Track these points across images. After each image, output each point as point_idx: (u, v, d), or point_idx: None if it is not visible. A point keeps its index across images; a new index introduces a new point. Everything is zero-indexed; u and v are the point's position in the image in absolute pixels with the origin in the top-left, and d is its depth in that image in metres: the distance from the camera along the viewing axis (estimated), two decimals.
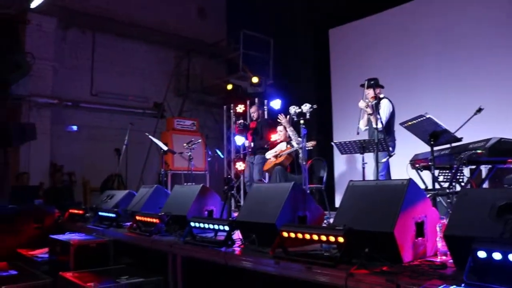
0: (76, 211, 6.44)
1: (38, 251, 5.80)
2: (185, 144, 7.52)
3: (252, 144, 7.75)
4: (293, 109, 5.27)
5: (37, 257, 5.56)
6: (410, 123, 4.50)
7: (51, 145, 9.47)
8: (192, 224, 3.88)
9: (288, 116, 6.49)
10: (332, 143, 5.73)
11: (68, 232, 5.72)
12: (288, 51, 10.77)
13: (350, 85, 7.21)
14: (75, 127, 10.12)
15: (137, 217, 4.77)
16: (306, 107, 5.09)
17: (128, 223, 5.13)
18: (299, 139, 5.78)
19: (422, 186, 4.48)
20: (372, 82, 5.56)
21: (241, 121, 8.13)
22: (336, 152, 8.21)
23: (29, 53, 8.37)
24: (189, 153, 7.30)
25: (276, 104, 9.72)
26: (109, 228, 5.28)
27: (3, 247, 6.07)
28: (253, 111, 8.05)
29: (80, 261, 4.75)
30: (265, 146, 7.66)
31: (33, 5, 8.52)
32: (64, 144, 9.86)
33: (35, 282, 4.72)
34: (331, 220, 3.38)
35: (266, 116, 9.67)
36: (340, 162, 9.24)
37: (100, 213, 5.69)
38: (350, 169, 9.05)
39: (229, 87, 11.03)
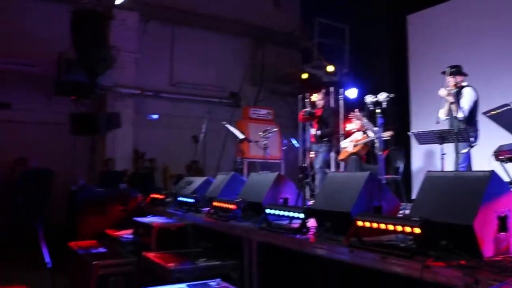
0: (157, 196, 6.78)
1: (123, 232, 6.19)
2: (260, 133, 7.60)
3: (318, 133, 7.58)
4: (369, 98, 5.19)
5: (122, 238, 5.94)
6: (493, 112, 4.30)
7: (134, 133, 10.00)
8: (268, 211, 3.98)
9: (357, 110, 6.40)
10: (410, 133, 5.59)
11: (150, 215, 6.05)
12: (364, 38, 10.55)
13: (430, 73, 6.97)
14: (156, 116, 10.60)
15: (215, 203, 4.94)
16: (382, 96, 5.00)
17: (206, 209, 5.32)
18: (375, 128, 5.69)
19: (506, 179, 4.27)
20: (454, 69, 5.35)
21: (307, 108, 7.99)
22: (414, 142, 7.98)
23: (114, 46, 8.84)
24: (265, 141, 7.37)
25: (351, 93, 9.58)
26: (188, 213, 5.52)
27: (93, 227, 6.57)
28: (320, 99, 7.87)
29: (161, 242, 5.01)
30: (331, 134, 7.52)
31: (117, 1, 9.00)
32: (146, 132, 10.37)
33: (122, 260, 5.06)
34: (407, 212, 3.33)
35: (343, 105, 9.56)
36: (418, 153, 8.96)
37: (180, 198, 5.95)
38: (429, 160, 8.75)
39: (304, 76, 11.00)
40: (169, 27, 11.13)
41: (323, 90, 9.01)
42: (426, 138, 5.22)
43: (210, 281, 3.49)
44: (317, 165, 7.32)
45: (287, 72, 11.76)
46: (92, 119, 7.74)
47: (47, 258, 5.50)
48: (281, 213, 3.84)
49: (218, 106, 11.40)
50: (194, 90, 11.24)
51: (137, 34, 10.32)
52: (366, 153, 6.75)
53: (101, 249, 5.58)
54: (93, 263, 4.82)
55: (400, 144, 7.57)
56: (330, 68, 10.34)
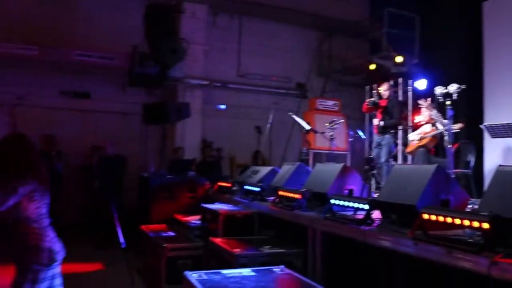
0: (224, 184, 6.99)
1: (191, 217, 6.45)
2: (327, 124, 7.57)
3: (381, 123, 7.42)
4: (438, 90, 5.08)
5: (190, 223, 6.19)
6: None
7: (202, 122, 10.31)
8: (333, 201, 4.02)
9: (429, 99, 6.22)
10: (482, 126, 5.39)
11: (217, 202, 6.26)
12: (435, 28, 10.19)
13: (507, 63, 6.63)
14: (223, 106, 10.86)
15: (280, 192, 5.04)
16: (453, 88, 4.87)
17: (271, 198, 5.43)
18: (445, 121, 5.53)
19: None
20: None
21: (371, 99, 7.83)
22: (487, 136, 7.66)
23: (184, 39, 9.14)
24: (331, 133, 7.35)
25: (421, 84, 9.32)
26: (253, 201, 5.65)
27: (164, 211, 6.90)
28: (385, 89, 7.69)
29: (227, 229, 5.18)
30: (396, 126, 7.35)
31: None
32: (214, 122, 10.67)
33: (190, 244, 5.31)
34: (476, 207, 3.26)
35: (411, 97, 9.33)
36: (491, 147, 8.57)
37: (246, 187, 6.09)
38: (503, 155, 8.36)
39: (372, 67, 10.83)
40: (237, 19, 11.32)
41: (391, 81, 8.82)
42: (499, 131, 5.04)
43: (274, 267, 3.58)
44: (383, 158, 7.21)
45: (354, 63, 11.63)
46: (163, 109, 8.07)
47: (121, 239, 5.87)
48: (346, 203, 3.87)
49: (285, 97, 11.48)
50: (261, 81, 11.39)
51: (206, 26, 10.60)
52: (435, 146, 6.57)
53: (171, 233, 5.86)
54: (163, 245, 5.09)
55: (472, 138, 7.29)
56: (399, 59, 10.10)
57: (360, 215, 3.73)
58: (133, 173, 9.01)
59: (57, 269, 3.06)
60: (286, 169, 5.85)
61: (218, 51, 10.97)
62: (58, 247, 3.04)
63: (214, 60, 10.85)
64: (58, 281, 3.11)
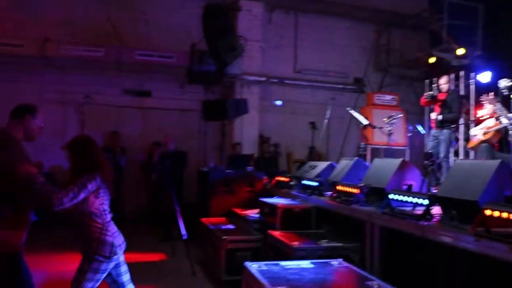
0: (282, 179, 7.09)
1: (250, 211, 6.60)
2: (385, 119, 7.50)
3: (439, 117, 7.18)
4: (503, 83, 4.92)
5: (249, 216, 6.33)
6: None
7: (260, 118, 10.45)
8: (391, 196, 4.02)
9: (492, 93, 6.01)
10: None
11: (275, 197, 6.37)
12: (500, 17, 9.76)
13: None
14: (280, 102, 10.96)
15: (338, 187, 5.08)
16: None
17: (329, 192, 5.47)
18: (510, 115, 5.35)
19: None
20: None
21: (430, 92, 7.60)
22: None
23: (241, 36, 9.29)
24: (389, 128, 7.27)
25: (484, 77, 8.97)
26: (311, 196, 5.72)
27: (223, 205, 7.10)
28: (444, 82, 7.42)
29: (285, 222, 5.28)
30: (455, 120, 7.12)
31: None
32: (271, 118, 10.79)
33: (248, 237, 5.46)
34: None
35: (474, 90, 9.02)
36: None
37: (304, 182, 6.16)
38: None
39: (431, 60, 10.54)
40: (293, 15, 11.36)
41: (451, 74, 8.51)
42: None
43: (332, 260, 3.64)
44: (442, 153, 7.01)
45: (413, 56, 11.36)
46: (222, 106, 8.25)
47: (183, 231, 6.12)
48: (405, 199, 3.86)
49: (342, 92, 11.42)
50: (318, 76, 11.38)
51: (262, 23, 10.71)
52: (499, 141, 6.35)
53: (230, 226, 6.03)
54: (223, 238, 5.26)
55: None
56: (460, 51, 9.76)
57: (419, 210, 3.72)
58: (193, 168, 9.31)
59: (121, 257, 3.32)
60: (344, 164, 5.86)
61: (274, 48, 11.07)
62: (119, 241, 3.27)
63: (270, 56, 10.95)
64: (123, 268, 3.38)
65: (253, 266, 3.33)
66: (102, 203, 3.26)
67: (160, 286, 5.19)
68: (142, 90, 10.50)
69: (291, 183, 6.76)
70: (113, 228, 3.30)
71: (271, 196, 6.51)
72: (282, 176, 7.24)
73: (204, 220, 6.50)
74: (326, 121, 9.01)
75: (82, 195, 3.06)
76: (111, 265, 3.23)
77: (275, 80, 10.87)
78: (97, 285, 3.21)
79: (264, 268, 3.32)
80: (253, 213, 6.41)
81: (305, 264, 3.52)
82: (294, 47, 11.38)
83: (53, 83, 10.15)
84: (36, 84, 10.06)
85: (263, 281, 2.96)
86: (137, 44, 10.11)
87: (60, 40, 9.67)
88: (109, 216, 3.30)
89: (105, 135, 10.16)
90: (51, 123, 10.10)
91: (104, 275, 3.22)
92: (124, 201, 9.83)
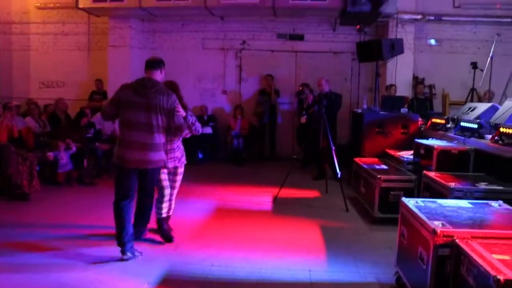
0: (438, 121, 6.92)
1: (403, 152, 6.63)
2: None
3: None
4: None
5: (402, 157, 6.39)
6: None
7: (414, 59, 10.07)
8: None
9: None
10: None
11: (431, 138, 6.29)
12: None
13: None
14: (433, 41, 10.38)
15: (502, 129, 4.85)
16: None
17: (489, 135, 5.27)
18: None
19: None
20: None
21: None
22: None
23: None
24: None
25: None
26: (470, 138, 5.54)
27: (376, 146, 7.23)
28: None
29: (441, 164, 5.26)
30: None
31: None
32: (425, 58, 10.31)
33: (402, 177, 5.57)
34: None
35: None
36: None
37: (462, 124, 5.97)
38: None
39: None
40: None
41: None
42: None
43: (492, 201, 3.61)
44: None
45: None
46: (377, 46, 8.14)
47: (337, 170, 6.43)
48: None
49: (509, 27, 10.36)
50: (481, 10, 10.41)
51: None
52: None
53: (383, 166, 6.18)
54: (378, 176, 5.45)
55: None
56: None
57: None
58: (345, 110, 9.49)
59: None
60: (509, 105, 5.55)
61: None
62: None
63: None
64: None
65: (410, 202, 3.48)
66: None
67: (316, 220, 5.59)
68: (295, 34, 10.78)
69: (448, 125, 6.57)
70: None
71: (426, 138, 6.43)
72: (437, 118, 7.05)
73: (358, 159, 6.71)
74: (489, 59, 8.38)
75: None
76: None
77: (432, 18, 10.23)
78: None
79: (421, 204, 3.43)
80: (407, 154, 6.43)
81: (463, 203, 3.54)
82: None
83: (214, 31, 10.96)
84: (199, 33, 10.97)
85: (420, 215, 3.10)
86: None
87: None
88: None
89: (260, 78, 10.77)
90: (213, 69, 11.06)
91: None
92: (277, 141, 10.49)
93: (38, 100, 9.25)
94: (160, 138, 4.14)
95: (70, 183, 7.32)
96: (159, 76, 4.22)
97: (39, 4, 11.31)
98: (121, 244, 4.05)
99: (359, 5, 8.51)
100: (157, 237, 4.66)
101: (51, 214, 5.65)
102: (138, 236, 4.45)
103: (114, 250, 4.11)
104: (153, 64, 4.21)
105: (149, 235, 4.71)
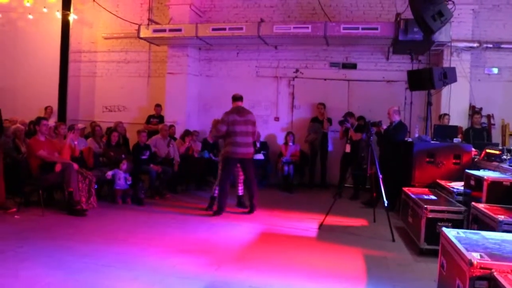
0: (492, 151, 6.69)
1: (455, 183, 6.45)
2: None
3: None
4: None
5: (453, 188, 6.22)
6: None
7: (470, 87, 9.81)
8: None
9: None
10: None
11: (483, 170, 6.10)
12: None
13: None
14: (495, 70, 10.08)
15: None
16: None
17: None
18: None
19: None
20: None
21: None
22: None
23: (450, 0, 8.78)
24: None
25: None
26: None
27: (427, 176, 7.08)
28: None
29: (492, 196, 5.08)
30: None
31: None
32: (483, 87, 10.01)
33: (450, 208, 5.41)
34: None
35: None
36: None
37: None
38: None
39: None
40: None
41: None
42: None
43: None
44: None
45: None
46: (428, 75, 8.03)
47: (384, 199, 6.35)
48: None
49: None
50: None
51: None
52: None
53: (432, 196, 6.04)
54: (425, 206, 5.34)
55: None
56: None
57: None
58: None
59: None
60: None
61: (489, 9, 10.13)
62: None
63: (484, 19, 10.08)
64: None
65: (451, 232, 3.40)
66: None
67: (360, 248, 5.54)
68: (348, 63, 10.85)
69: (503, 156, 6.35)
70: None
71: (479, 169, 6.25)
72: (492, 148, 6.83)
73: (407, 189, 6.60)
74: None
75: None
76: None
77: (490, 46, 9.99)
78: None
79: (462, 235, 3.36)
80: (458, 185, 6.26)
81: (509, 236, 3.43)
82: None
83: (268, 59, 11.25)
84: (253, 61, 11.29)
85: (459, 245, 3.03)
86: (342, 18, 10.50)
87: (273, 20, 10.65)
88: None
89: (313, 106, 10.86)
90: (266, 96, 11.30)
91: None
92: (328, 169, 10.45)
93: (100, 123, 9.86)
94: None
95: (125, 201, 7.67)
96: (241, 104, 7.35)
97: (105, 35, 12.14)
98: None
99: (411, 34, 8.48)
100: None
101: (105, 230, 5.96)
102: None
103: (161, 268, 4.29)
104: (242, 98, 7.37)
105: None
